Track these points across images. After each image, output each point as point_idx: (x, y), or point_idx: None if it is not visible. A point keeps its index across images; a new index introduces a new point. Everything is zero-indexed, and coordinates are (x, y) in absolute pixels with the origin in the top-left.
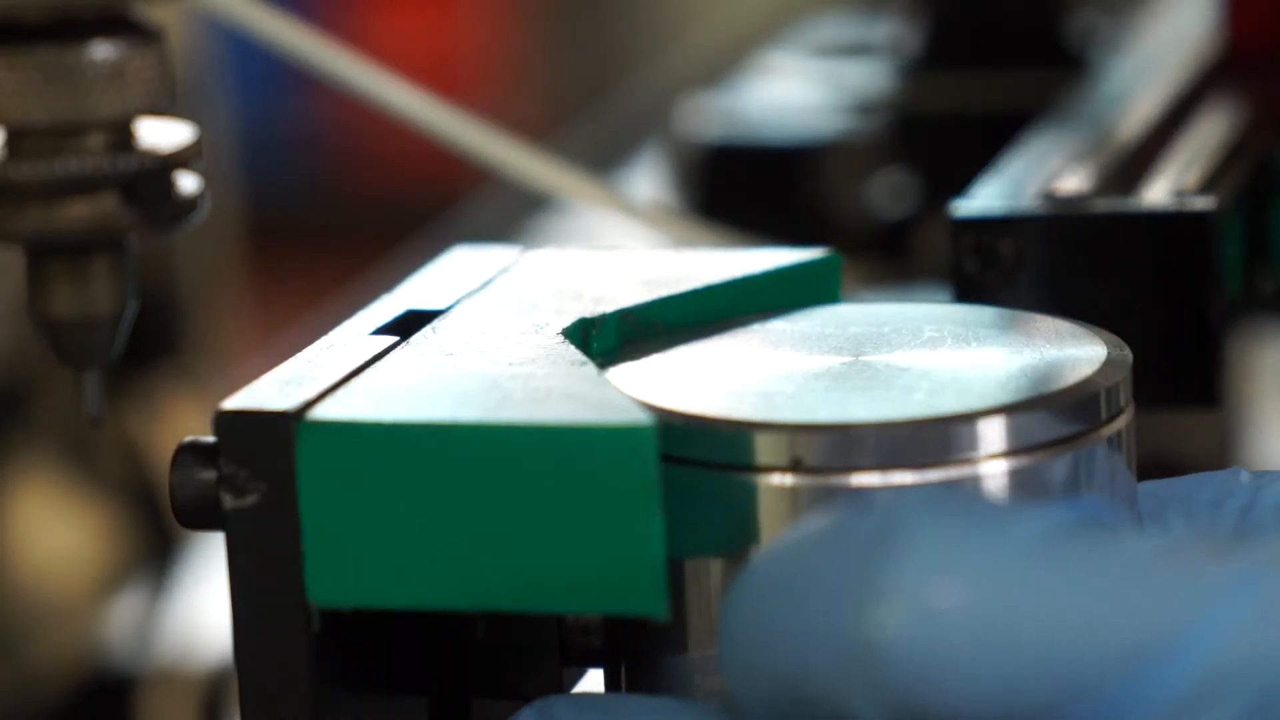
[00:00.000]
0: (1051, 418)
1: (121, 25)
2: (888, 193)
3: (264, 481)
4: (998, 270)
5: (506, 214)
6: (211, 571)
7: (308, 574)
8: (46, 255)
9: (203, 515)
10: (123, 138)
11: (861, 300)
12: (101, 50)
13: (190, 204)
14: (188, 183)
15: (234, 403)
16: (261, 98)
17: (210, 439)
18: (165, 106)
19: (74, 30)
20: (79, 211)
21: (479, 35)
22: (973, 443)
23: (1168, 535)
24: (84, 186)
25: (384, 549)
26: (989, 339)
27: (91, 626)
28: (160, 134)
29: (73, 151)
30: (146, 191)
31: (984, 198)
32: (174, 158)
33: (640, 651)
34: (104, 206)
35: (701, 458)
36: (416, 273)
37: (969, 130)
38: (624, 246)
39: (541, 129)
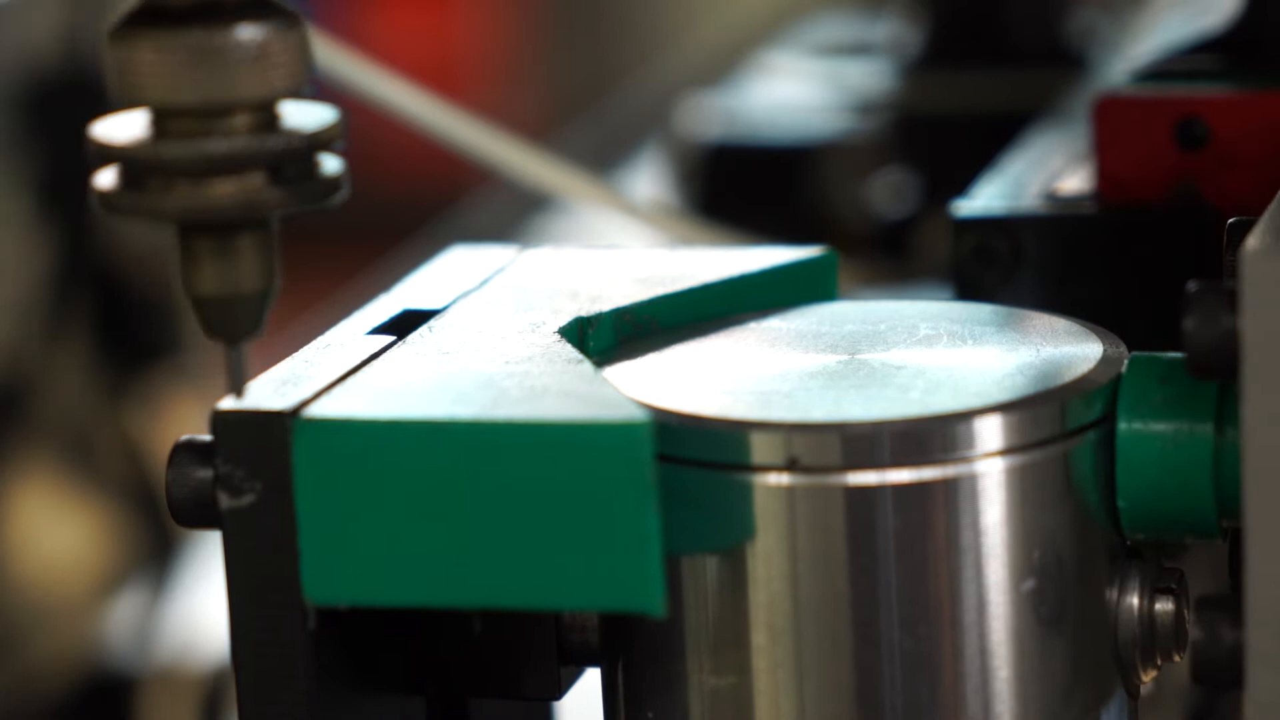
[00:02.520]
0: (1047, 415)
1: (264, 8)
2: (888, 193)
3: (260, 480)
4: (998, 269)
5: (506, 214)
6: (211, 571)
7: (304, 572)
8: (195, 233)
9: (199, 514)
10: (267, 118)
11: (857, 298)
12: (247, 32)
13: (333, 183)
14: (330, 163)
15: (230, 402)
16: None
17: (207, 438)
18: (305, 88)
19: (220, 13)
20: (226, 190)
21: (479, 35)
22: (969, 441)
23: None
24: (232, 166)
25: (380, 547)
26: (985, 337)
27: (91, 626)
28: (302, 115)
29: (219, 132)
30: (292, 171)
31: (984, 197)
32: (318, 138)
33: (637, 649)
34: (251, 186)
35: (698, 457)
36: (414, 272)
37: (969, 130)
38: (623, 246)
39: (541, 129)
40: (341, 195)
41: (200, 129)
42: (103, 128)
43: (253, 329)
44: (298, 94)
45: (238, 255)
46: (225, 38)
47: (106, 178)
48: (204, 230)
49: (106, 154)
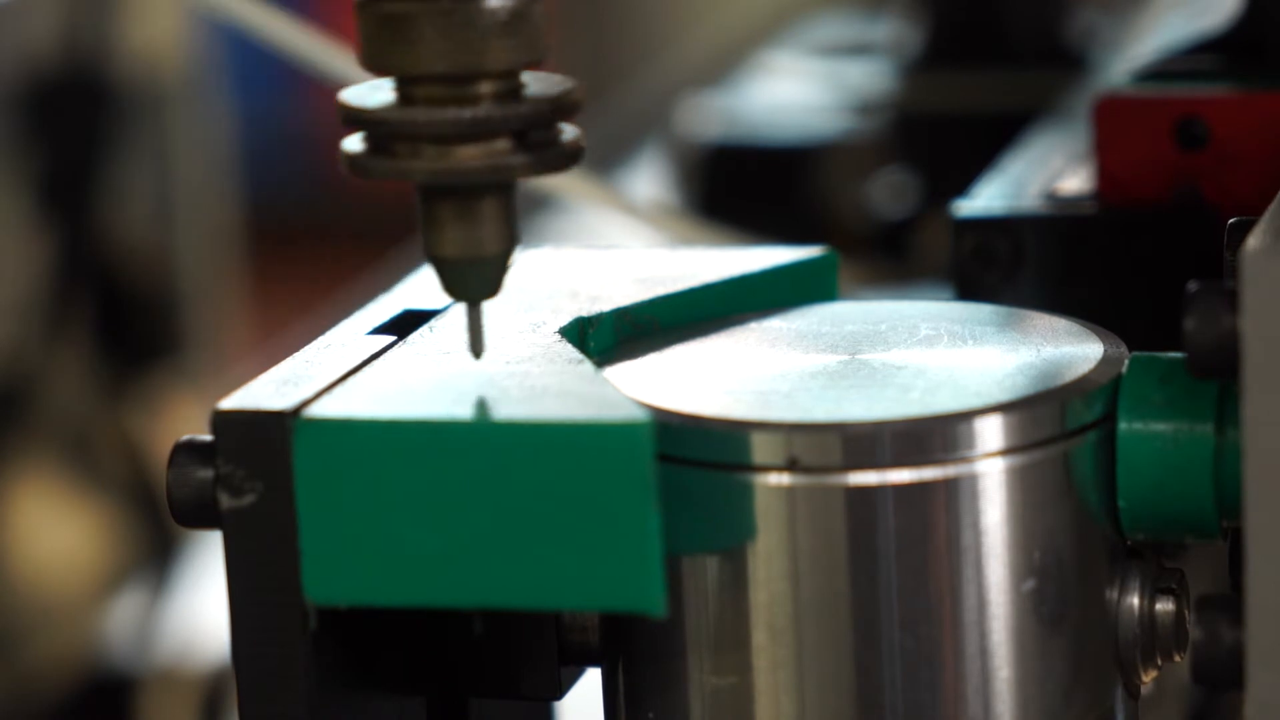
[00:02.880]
0: (1047, 415)
1: None
2: (888, 193)
3: (261, 480)
4: (998, 270)
5: None
6: (211, 571)
7: (305, 572)
8: (438, 196)
9: (200, 514)
10: (512, 85)
11: (858, 298)
12: (496, 2)
13: (575, 149)
14: (569, 129)
15: (231, 402)
16: (261, 98)
17: (207, 438)
18: (544, 58)
19: None
20: (474, 155)
21: None
22: (970, 440)
23: None
24: (480, 132)
25: (381, 547)
26: (985, 337)
27: (91, 626)
28: (542, 82)
29: (466, 98)
30: (536, 137)
31: (984, 197)
32: (561, 103)
33: (638, 649)
34: (497, 150)
35: (698, 457)
36: (414, 272)
37: (969, 130)
38: (623, 246)
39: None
40: (580, 160)
41: (447, 95)
42: (350, 94)
43: (492, 290)
44: (540, 63)
45: (480, 218)
46: (477, 7)
47: (353, 142)
48: (447, 194)
49: (355, 119)
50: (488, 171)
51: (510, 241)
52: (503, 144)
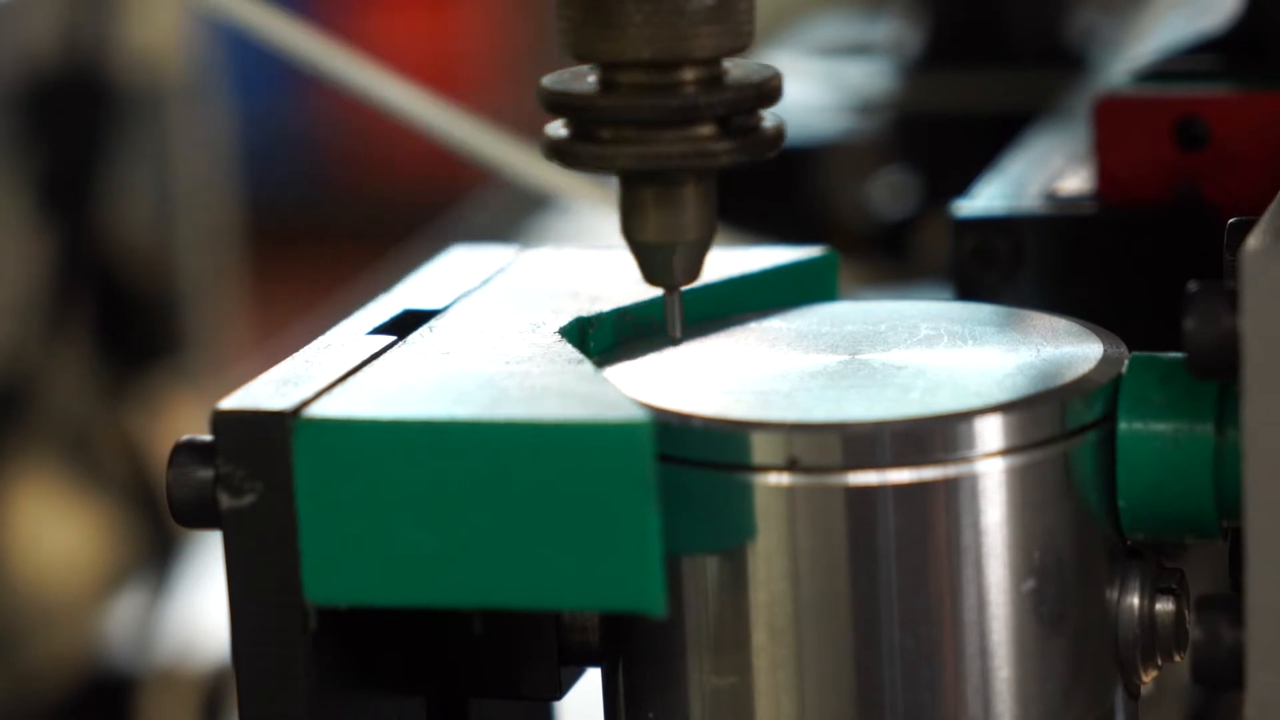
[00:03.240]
0: (1047, 415)
1: None
2: (888, 193)
3: (261, 480)
4: (998, 270)
5: (506, 214)
6: (211, 571)
7: (305, 572)
8: (640, 181)
9: (200, 514)
10: (714, 72)
11: (857, 298)
12: None
13: (776, 136)
14: (770, 116)
15: (231, 402)
16: (261, 98)
17: (207, 438)
18: (749, 44)
19: None
20: (678, 142)
21: (479, 35)
22: (970, 440)
23: None
24: (684, 119)
25: (381, 547)
26: (985, 337)
27: (91, 626)
28: (743, 69)
29: (670, 85)
30: (739, 123)
31: (984, 197)
32: (764, 90)
33: (638, 649)
34: (701, 137)
35: (698, 457)
36: (414, 272)
37: (969, 130)
38: (622, 246)
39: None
40: (779, 148)
41: (651, 82)
42: (552, 80)
43: (692, 276)
44: (744, 51)
45: (682, 204)
46: None
47: (555, 128)
48: (649, 179)
49: (558, 105)
50: (693, 157)
51: (711, 227)
52: (706, 130)
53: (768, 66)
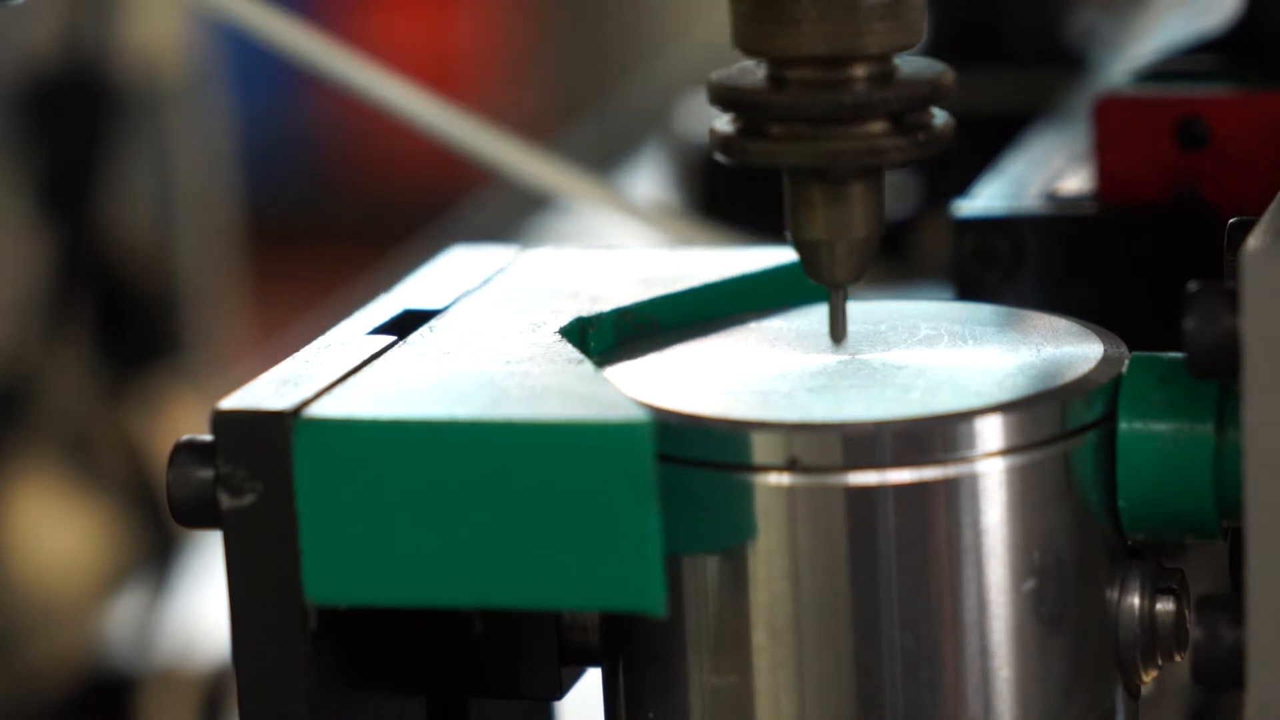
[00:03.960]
0: (1048, 415)
1: None
2: (888, 193)
3: (261, 480)
4: (998, 270)
5: (506, 214)
6: (211, 571)
7: (305, 572)
8: (808, 178)
9: (200, 514)
10: (886, 69)
11: (857, 298)
12: None
13: (947, 133)
14: (940, 114)
15: (231, 402)
16: (261, 98)
17: (207, 438)
18: (920, 40)
19: None
20: (851, 139)
21: (479, 35)
22: (970, 440)
23: None
24: (859, 115)
25: (381, 547)
26: (986, 337)
27: (91, 626)
28: (912, 65)
29: (841, 81)
30: (910, 121)
31: (984, 198)
32: (937, 88)
33: (638, 649)
34: (873, 134)
35: (698, 457)
36: (414, 272)
37: (969, 130)
38: (623, 246)
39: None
40: (951, 142)
41: (823, 78)
42: (721, 75)
43: (858, 274)
44: (914, 48)
45: (850, 201)
46: None
47: (723, 124)
48: (818, 176)
49: (730, 100)
50: (865, 154)
51: (879, 224)
52: (878, 127)
53: (939, 63)
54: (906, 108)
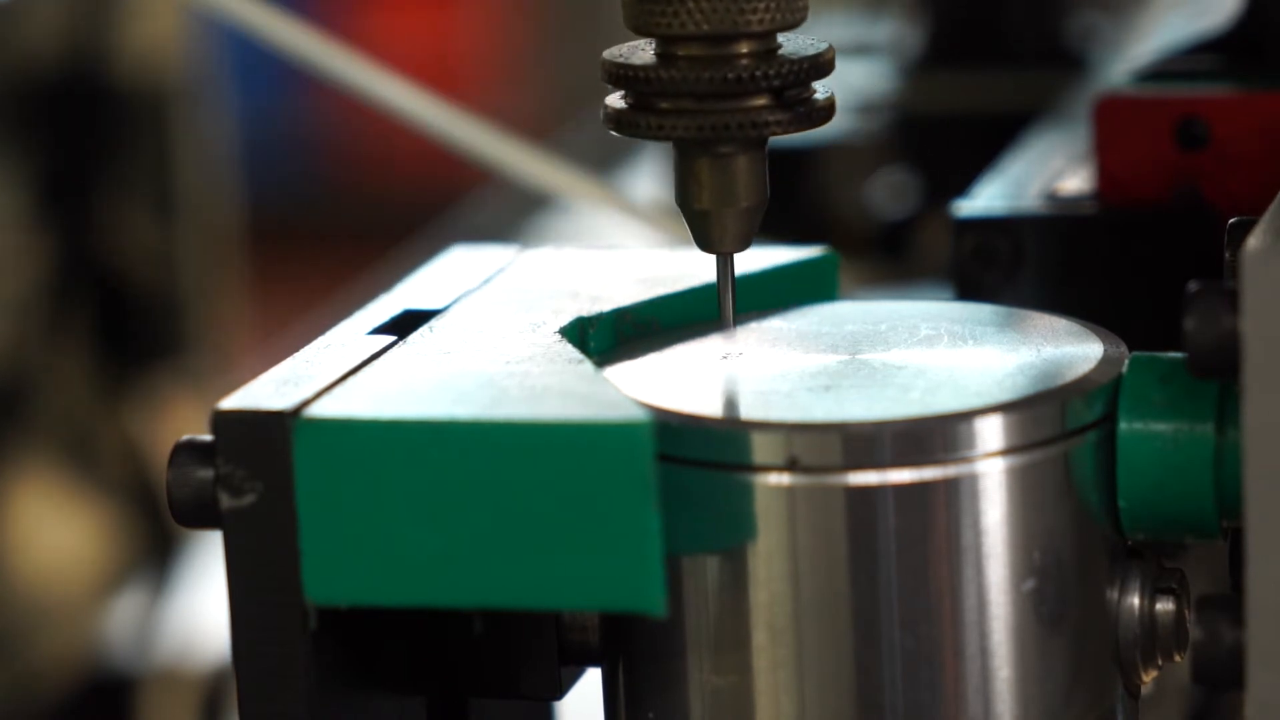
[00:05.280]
0: (1048, 415)
1: None
2: (888, 193)
3: (261, 480)
4: (998, 270)
5: (506, 214)
6: (211, 571)
7: (305, 572)
8: (695, 151)
9: (200, 514)
10: (769, 45)
11: (858, 298)
12: None
13: (828, 107)
14: (822, 88)
15: (231, 402)
16: (261, 98)
17: (207, 438)
18: (803, 20)
19: None
20: (733, 112)
21: (479, 35)
22: (970, 440)
23: None
24: (742, 90)
25: (381, 547)
26: (986, 337)
27: (91, 626)
28: (796, 43)
29: (726, 58)
30: (791, 96)
31: (985, 198)
32: (817, 64)
33: (638, 649)
34: (755, 107)
35: (698, 457)
36: (414, 272)
37: (969, 130)
38: (623, 246)
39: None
40: (833, 117)
41: (708, 55)
42: (612, 52)
43: (743, 242)
44: (798, 26)
45: (735, 173)
46: None
47: (615, 99)
48: (704, 148)
49: (619, 77)
50: (747, 127)
51: (763, 194)
52: (761, 101)
53: (821, 41)
54: (788, 83)
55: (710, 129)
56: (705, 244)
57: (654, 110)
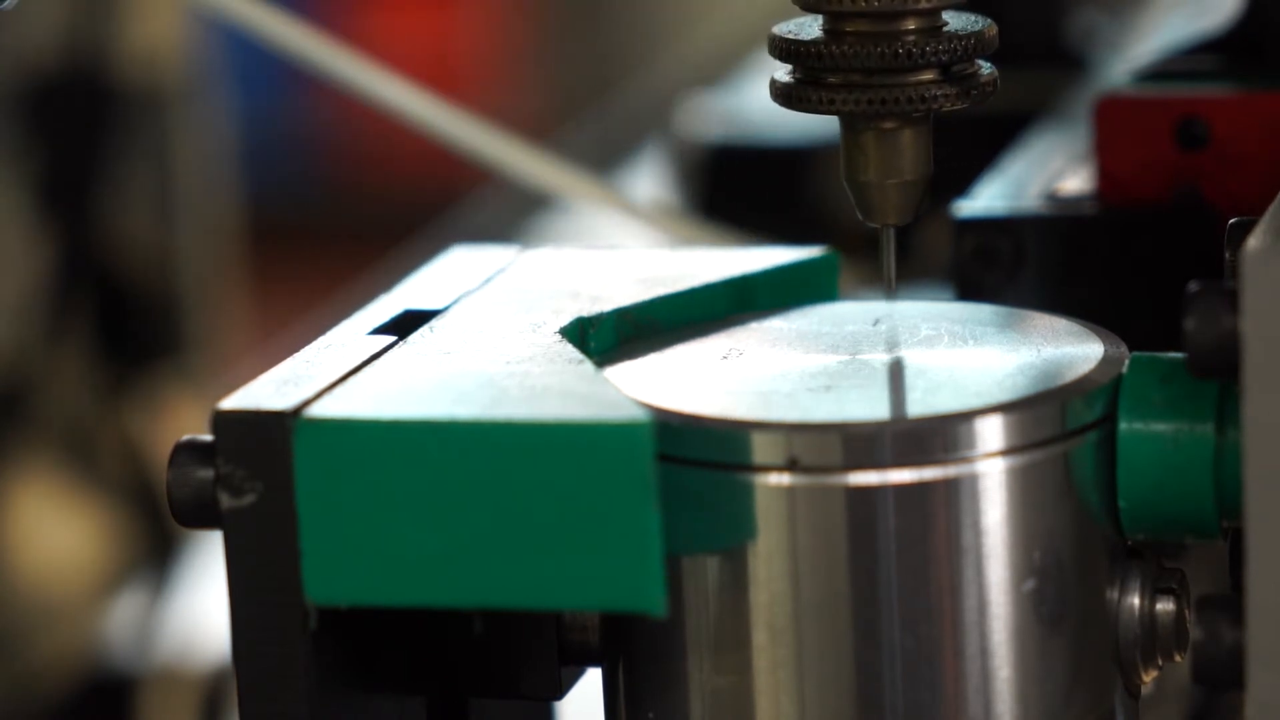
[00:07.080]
0: (1048, 415)
1: None
2: None
3: (261, 480)
4: (998, 270)
5: (506, 214)
6: (211, 571)
7: (305, 572)
8: (861, 124)
9: (200, 514)
10: (935, 21)
11: (858, 298)
12: None
13: (992, 83)
14: (986, 65)
15: (231, 402)
16: (261, 98)
17: (207, 438)
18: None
19: None
20: (902, 87)
21: (479, 35)
22: (970, 441)
23: None
24: (908, 66)
25: (381, 547)
26: (986, 337)
27: (91, 626)
28: (962, 20)
29: (895, 33)
30: (958, 71)
31: (985, 198)
32: (982, 40)
33: (638, 649)
34: (923, 82)
35: (698, 457)
36: (414, 272)
37: (969, 130)
38: (623, 246)
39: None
40: (994, 93)
41: (876, 30)
42: (782, 28)
43: (908, 215)
44: (961, 3)
45: (900, 146)
46: None
47: (782, 74)
48: (870, 122)
49: (789, 52)
50: (916, 102)
51: (928, 168)
52: (927, 76)
53: (985, 18)
54: (955, 58)
55: (879, 103)
56: (868, 215)
57: (823, 85)
